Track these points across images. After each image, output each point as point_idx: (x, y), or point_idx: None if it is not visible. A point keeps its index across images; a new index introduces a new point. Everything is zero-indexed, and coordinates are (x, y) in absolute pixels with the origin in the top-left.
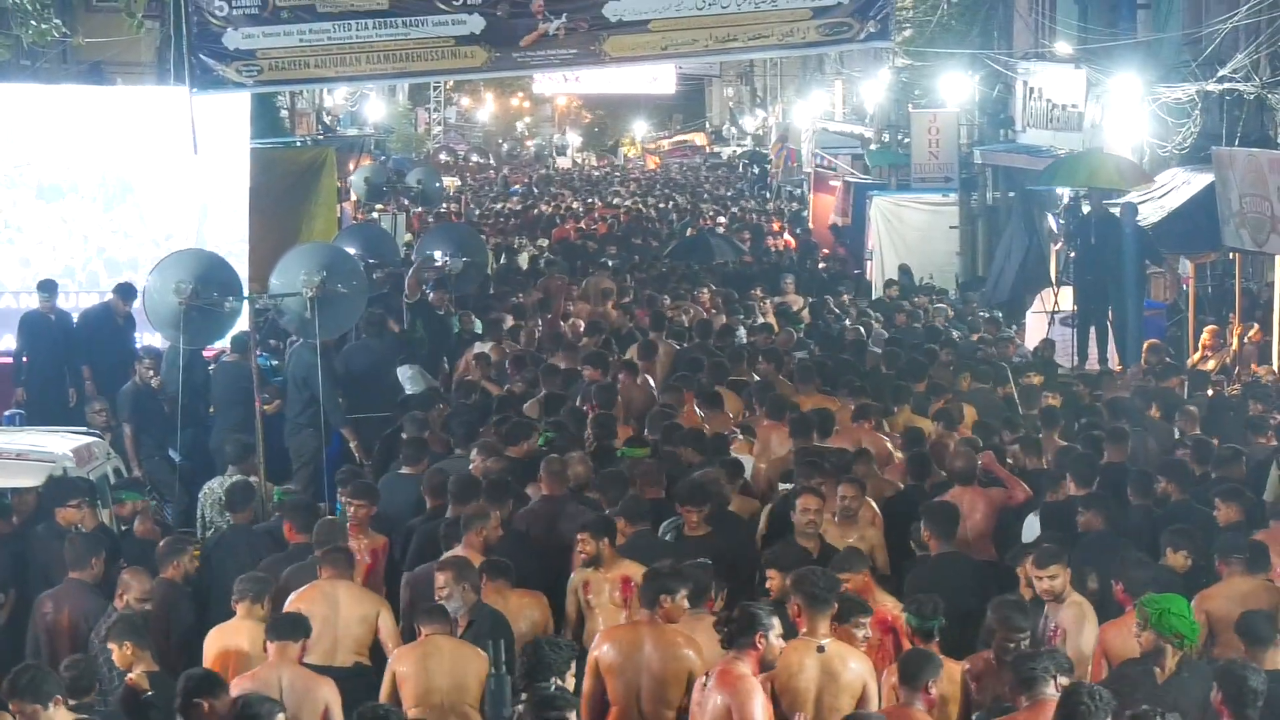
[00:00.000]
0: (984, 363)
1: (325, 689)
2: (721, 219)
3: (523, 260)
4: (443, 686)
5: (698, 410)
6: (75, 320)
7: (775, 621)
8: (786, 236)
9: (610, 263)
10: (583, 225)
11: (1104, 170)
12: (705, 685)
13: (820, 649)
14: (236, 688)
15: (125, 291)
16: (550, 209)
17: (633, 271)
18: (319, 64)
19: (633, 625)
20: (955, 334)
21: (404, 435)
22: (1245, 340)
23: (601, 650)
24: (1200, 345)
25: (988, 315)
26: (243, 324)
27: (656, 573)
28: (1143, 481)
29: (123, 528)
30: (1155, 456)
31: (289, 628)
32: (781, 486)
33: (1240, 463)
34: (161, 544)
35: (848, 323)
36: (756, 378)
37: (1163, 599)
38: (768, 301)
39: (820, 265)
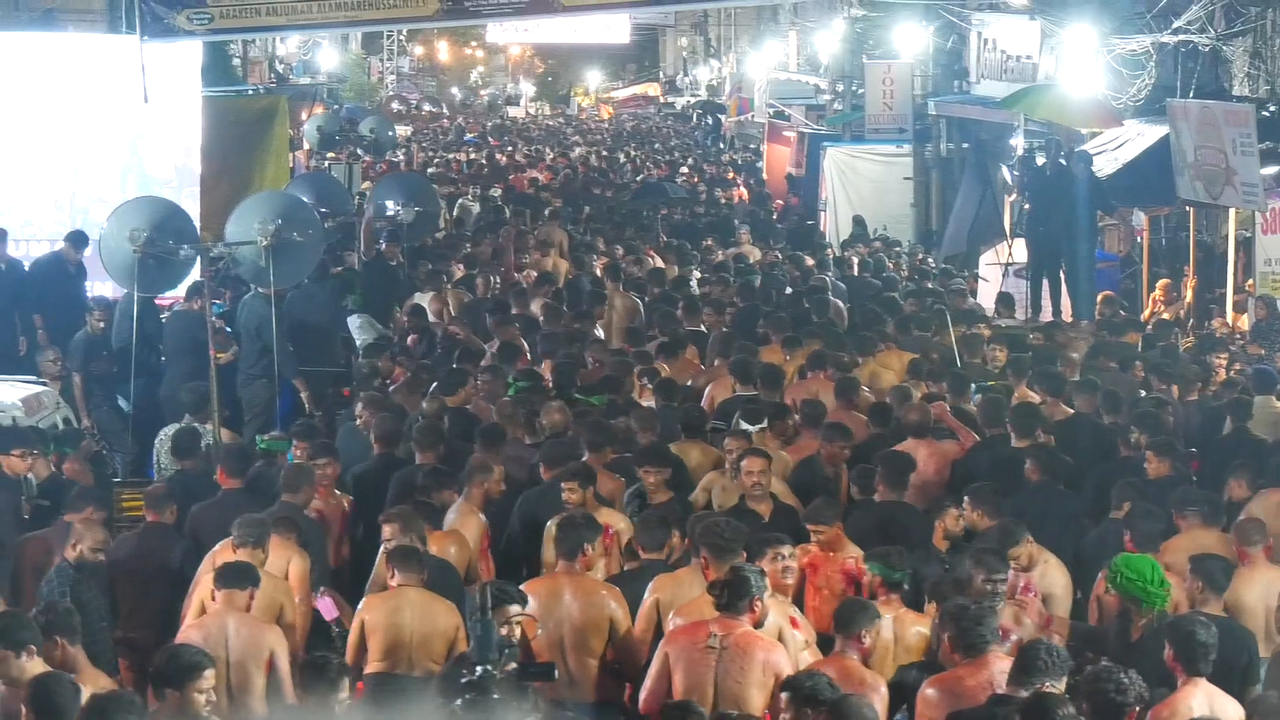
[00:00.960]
0: (923, 311)
1: (271, 635)
2: (684, 169)
3: (473, 208)
4: (410, 640)
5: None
6: (27, 268)
7: (766, 583)
8: (740, 187)
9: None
10: (538, 176)
11: (1070, 107)
12: (714, 648)
13: None
14: (183, 636)
15: (77, 239)
16: (505, 159)
17: (587, 222)
18: (270, 11)
19: (552, 576)
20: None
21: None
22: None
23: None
24: (1152, 299)
25: (939, 267)
26: (196, 273)
27: (573, 521)
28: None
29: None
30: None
31: (235, 576)
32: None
33: (1165, 413)
34: (153, 489)
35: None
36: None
37: (1126, 560)
38: (718, 252)
39: (774, 217)
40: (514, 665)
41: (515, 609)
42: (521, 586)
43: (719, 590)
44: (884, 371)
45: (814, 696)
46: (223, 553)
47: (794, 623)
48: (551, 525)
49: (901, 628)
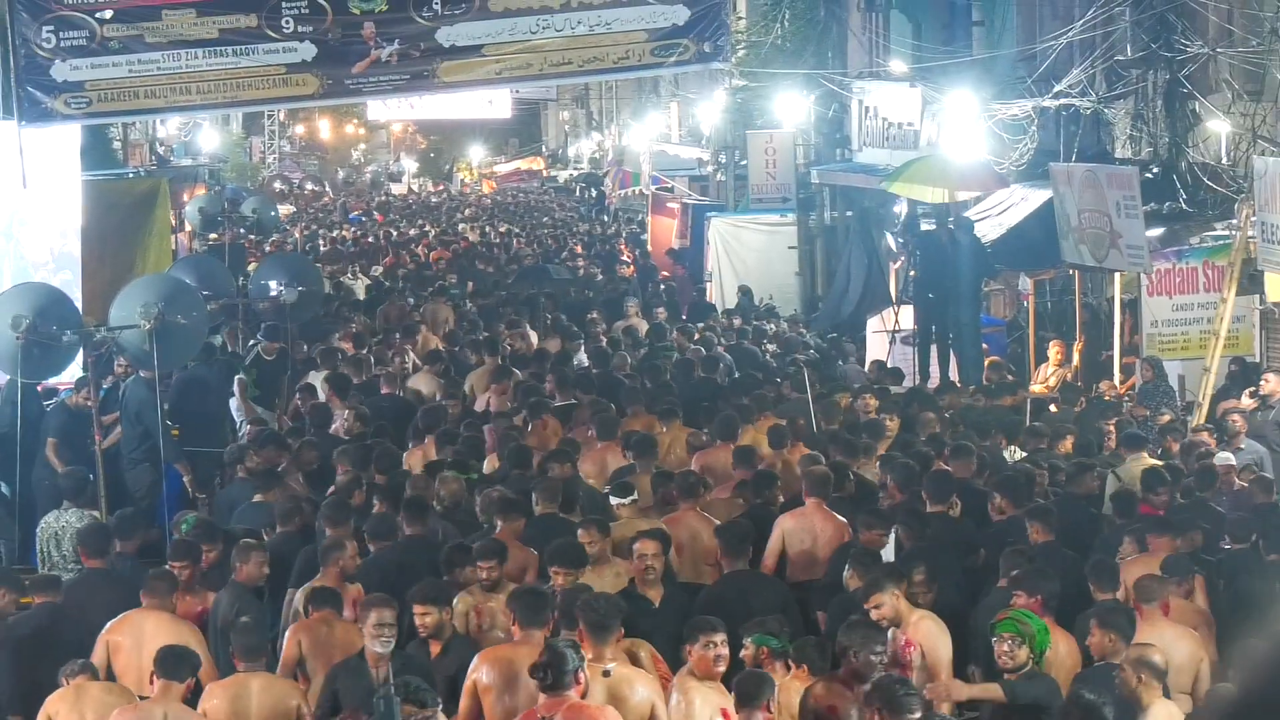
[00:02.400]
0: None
1: None
2: (575, 247)
3: (358, 289)
4: None
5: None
6: None
7: (582, 656)
8: (630, 263)
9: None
10: (419, 252)
11: (951, 174)
12: None
13: (606, 673)
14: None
15: None
16: (387, 236)
17: (472, 298)
18: (149, 94)
19: (512, 645)
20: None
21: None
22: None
23: (480, 672)
24: (1051, 359)
25: (820, 338)
26: (79, 363)
27: (535, 593)
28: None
29: None
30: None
31: (175, 665)
32: (615, 500)
33: (1089, 476)
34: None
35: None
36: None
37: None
38: (600, 326)
39: (662, 288)
40: None
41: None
42: (478, 655)
43: (542, 672)
44: (762, 438)
45: None
46: (113, 631)
47: (725, 714)
48: None
49: (787, 695)
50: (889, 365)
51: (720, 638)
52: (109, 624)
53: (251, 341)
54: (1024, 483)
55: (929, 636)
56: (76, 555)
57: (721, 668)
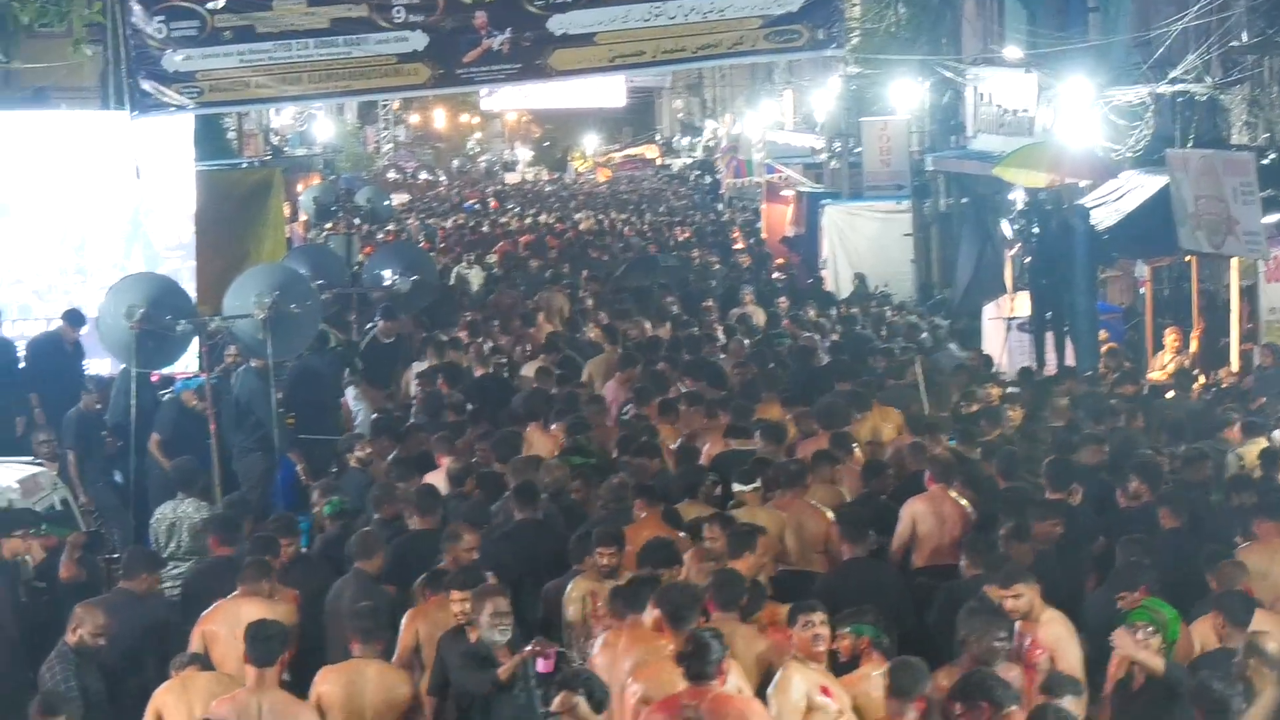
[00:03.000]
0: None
1: (306, 714)
2: (684, 232)
3: (473, 278)
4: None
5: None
6: (22, 348)
7: (724, 646)
8: (740, 247)
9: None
10: (529, 241)
11: (1063, 161)
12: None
13: None
14: (214, 712)
15: (73, 318)
16: (507, 223)
17: (585, 284)
18: (260, 84)
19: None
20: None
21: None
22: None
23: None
24: (1168, 346)
25: (939, 324)
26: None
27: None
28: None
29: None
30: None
31: (263, 651)
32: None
33: (1204, 464)
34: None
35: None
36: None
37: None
38: (714, 314)
39: (775, 275)
40: None
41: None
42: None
43: (685, 661)
44: (884, 425)
45: None
46: (208, 621)
47: (826, 690)
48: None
49: (876, 685)
50: (1004, 353)
51: (820, 618)
52: (203, 614)
53: (369, 325)
54: (1159, 469)
55: (1059, 641)
56: (193, 545)
57: (821, 647)
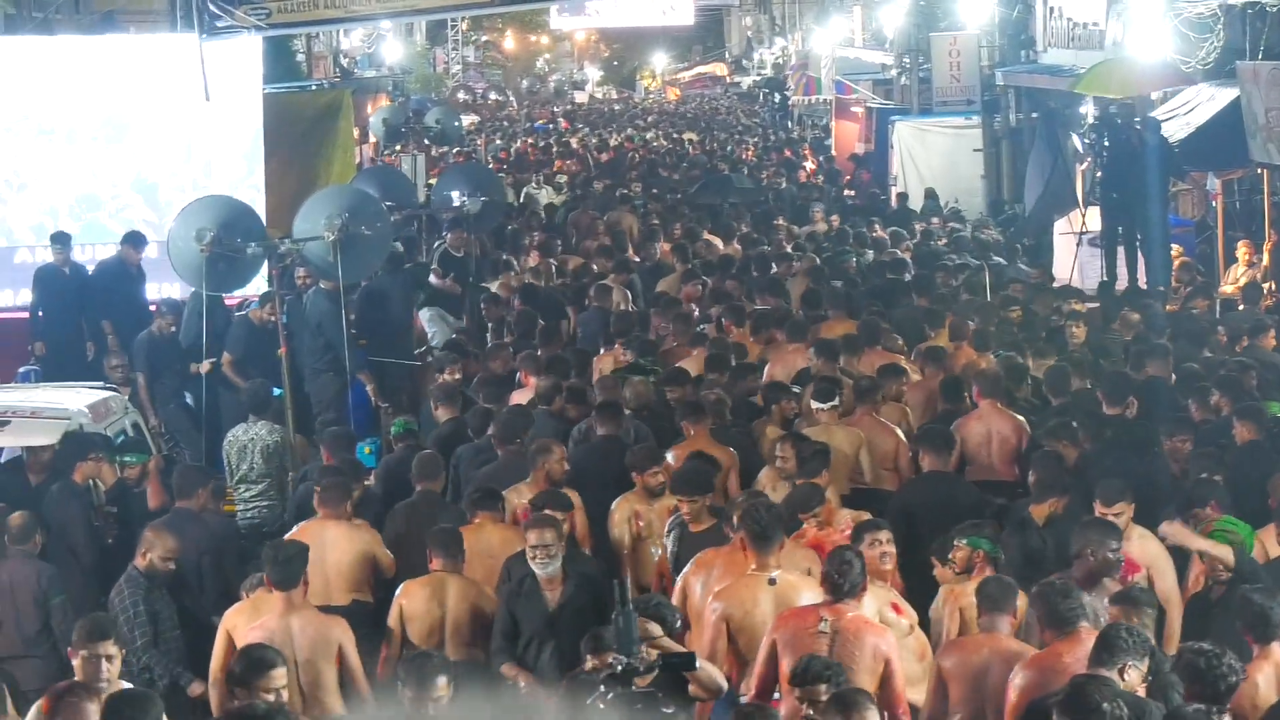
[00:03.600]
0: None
1: (337, 629)
2: (749, 149)
3: (542, 197)
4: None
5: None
6: (90, 272)
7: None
8: (809, 165)
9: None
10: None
11: (1134, 75)
12: (826, 633)
13: (771, 582)
14: (246, 639)
15: (136, 240)
16: (570, 145)
17: (652, 202)
18: (329, 4)
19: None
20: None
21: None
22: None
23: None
24: (1241, 259)
25: (1007, 239)
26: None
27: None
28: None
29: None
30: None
31: (285, 575)
32: (815, 405)
33: (1248, 376)
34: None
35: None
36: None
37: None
38: (785, 230)
39: (847, 193)
40: (656, 656)
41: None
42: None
43: (827, 578)
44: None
45: None
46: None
47: (896, 608)
48: (628, 508)
49: (969, 597)
50: (1075, 268)
51: (886, 536)
52: (286, 536)
53: (436, 242)
54: (1241, 382)
55: (1156, 559)
56: (266, 467)
57: (888, 565)
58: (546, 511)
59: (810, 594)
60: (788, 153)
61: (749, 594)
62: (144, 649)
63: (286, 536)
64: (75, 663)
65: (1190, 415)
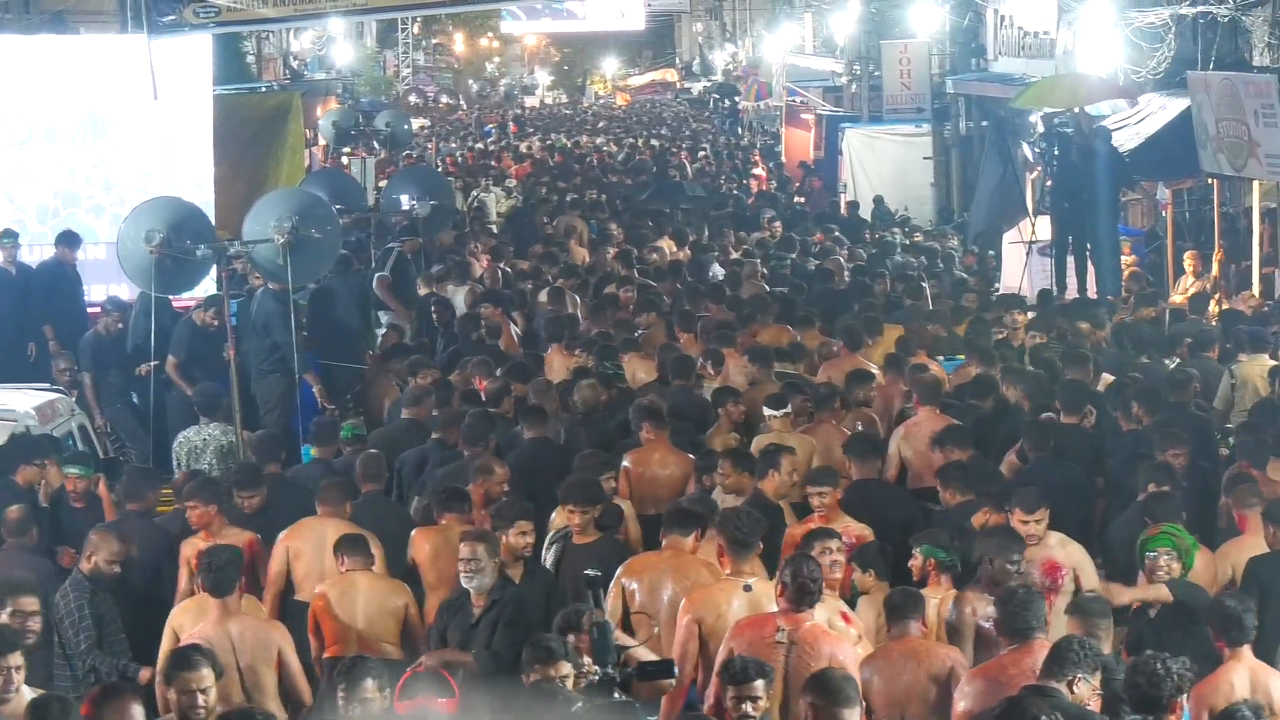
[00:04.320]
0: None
1: (276, 634)
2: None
3: (491, 202)
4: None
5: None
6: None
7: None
8: (759, 171)
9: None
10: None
11: (1081, 89)
12: (783, 642)
13: (746, 588)
14: (189, 639)
15: (70, 240)
16: (517, 150)
17: (608, 210)
18: (278, 3)
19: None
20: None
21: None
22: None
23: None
24: (1188, 269)
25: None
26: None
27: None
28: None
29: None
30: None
31: (221, 580)
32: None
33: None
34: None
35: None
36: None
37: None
38: (730, 236)
39: (797, 199)
40: (633, 666)
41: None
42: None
43: (785, 588)
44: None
45: None
46: (291, 538)
47: (845, 617)
48: None
49: (948, 607)
50: (1025, 277)
51: (836, 544)
52: (285, 530)
53: (390, 244)
54: (1159, 393)
55: (1082, 561)
56: (221, 467)
57: (838, 574)
58: (486, 527)
59: (821, 610)
60: (738, 159)
61: (724, 599)
62: (88, 651)
63: (286, 531)
64: None
65: (1180, 429)
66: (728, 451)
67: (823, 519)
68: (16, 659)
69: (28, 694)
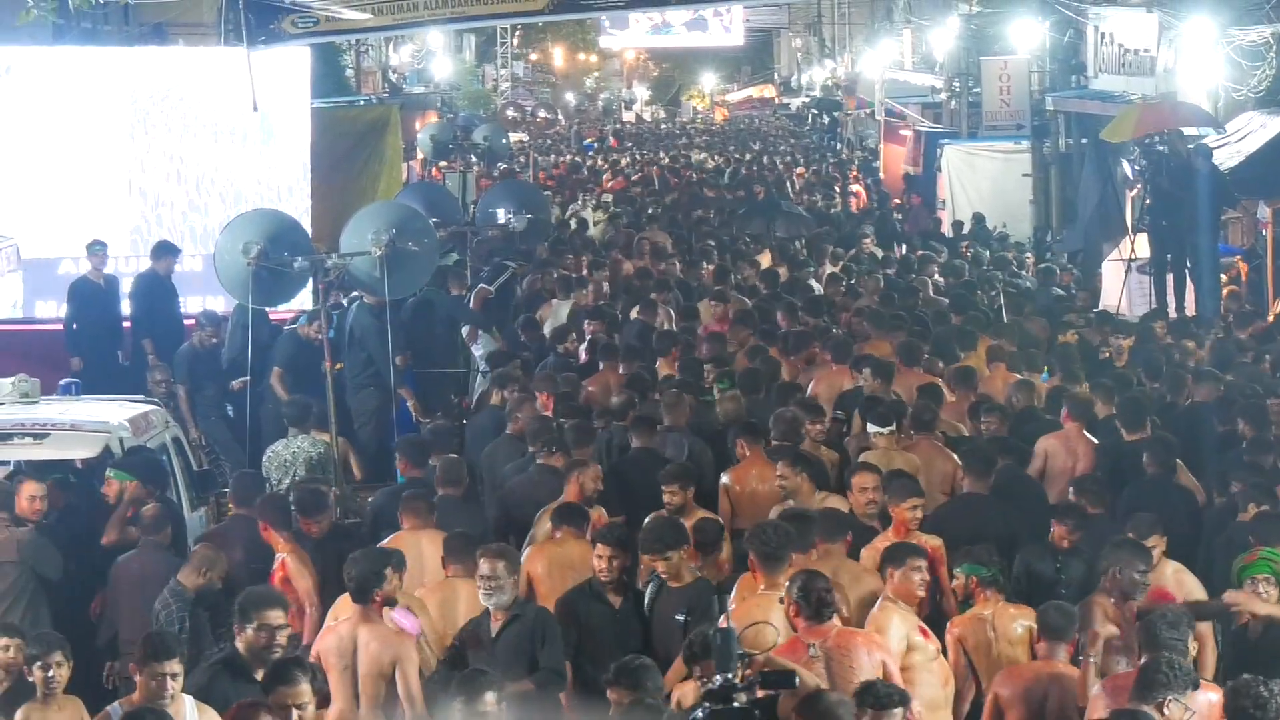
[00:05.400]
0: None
1: (403, 648)
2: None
3: (587, 215)
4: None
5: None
6: (128, 286)
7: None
8: (858, 188)
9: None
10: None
11: (1159, 118)
12: (817, 656)
13: (781, 601)
14: (318, 643)
15: (167, 250)
16: (616, 164)
17: (697, 225)
18: (376, 12)
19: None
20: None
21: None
22: None
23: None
24: None
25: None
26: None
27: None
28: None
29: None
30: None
31: (363, 589)
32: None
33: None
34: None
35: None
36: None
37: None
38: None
39: (896, 216)
40: (755, 674)
41: None
42: None
43: (798, 603)
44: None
45: None
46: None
47: (924, 632)
48: None
49: (1003, 622)
50: (1124, 295)
51: (923, 562)
52: (383, 542)
53: (503, 261)
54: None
55: (1193, 592)
56: (309, 479)
57: (923, 592)
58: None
59: (900, 626)
60: (835, 176)
61: (760, 614)
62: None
63: (384, 541)
64: (137, 679)
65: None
66: (783, 450)
67: (905, 533)
68: (174, 665)
69: (187, 702)
